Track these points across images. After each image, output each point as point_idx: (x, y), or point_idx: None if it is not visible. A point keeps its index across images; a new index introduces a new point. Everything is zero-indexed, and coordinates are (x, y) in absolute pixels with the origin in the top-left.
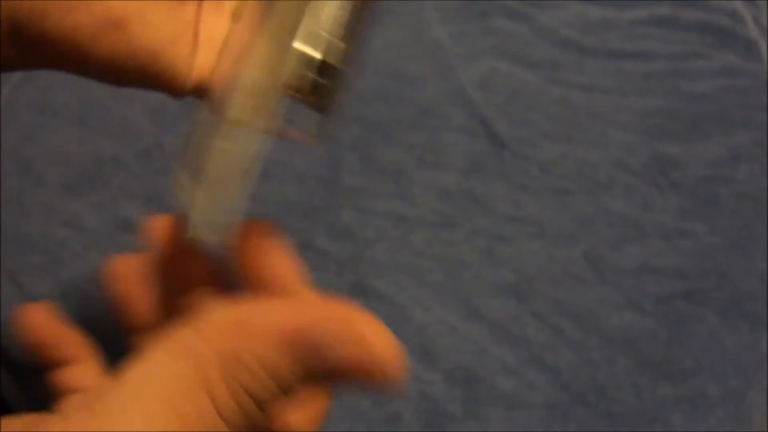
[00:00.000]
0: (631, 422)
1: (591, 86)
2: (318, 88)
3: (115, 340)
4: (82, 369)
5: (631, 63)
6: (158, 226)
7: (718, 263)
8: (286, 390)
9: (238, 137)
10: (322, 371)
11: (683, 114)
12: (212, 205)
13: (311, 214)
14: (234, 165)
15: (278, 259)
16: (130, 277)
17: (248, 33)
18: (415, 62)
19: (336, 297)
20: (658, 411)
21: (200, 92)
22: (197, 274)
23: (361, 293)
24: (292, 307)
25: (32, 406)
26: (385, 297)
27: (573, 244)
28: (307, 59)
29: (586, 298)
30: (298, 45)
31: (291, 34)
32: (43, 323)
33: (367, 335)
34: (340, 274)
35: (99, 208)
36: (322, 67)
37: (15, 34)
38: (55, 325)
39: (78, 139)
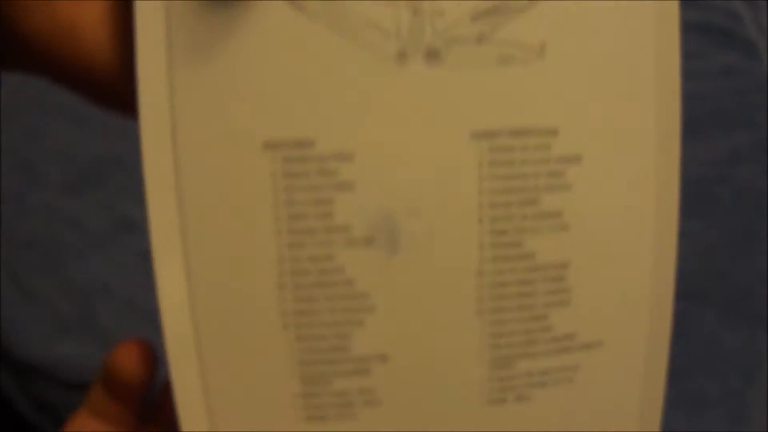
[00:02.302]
0: None
1: None
2: None
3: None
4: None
5: None
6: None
7: (718, 263)
8: None
9: None
10: None
11: (683, 114)
12: None
13: None
14: None
15: None
16: None
17: None
18: None
19: None
20: None
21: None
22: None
23: None
24: None
25: (32, 406)
26: None
27: None
28: None
29: None
30: None
31: None
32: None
33: None
34: None
35: (99, 208)
36: None
37: None
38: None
39: (78, 139)
